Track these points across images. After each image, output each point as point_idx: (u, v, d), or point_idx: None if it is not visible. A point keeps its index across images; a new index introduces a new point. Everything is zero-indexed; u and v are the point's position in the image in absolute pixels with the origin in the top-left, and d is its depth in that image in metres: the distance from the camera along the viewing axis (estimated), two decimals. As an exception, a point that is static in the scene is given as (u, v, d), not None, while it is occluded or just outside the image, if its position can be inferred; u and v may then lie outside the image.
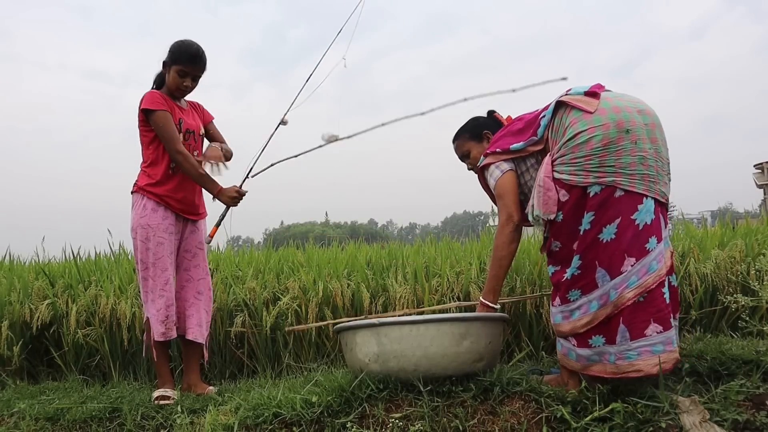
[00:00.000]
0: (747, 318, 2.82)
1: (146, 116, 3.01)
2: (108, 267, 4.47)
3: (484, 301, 2.71)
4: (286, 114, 3.07)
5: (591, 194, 2.35)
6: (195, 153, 3.14)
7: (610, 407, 2.20)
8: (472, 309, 3.22)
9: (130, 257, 4.56)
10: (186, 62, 3.02)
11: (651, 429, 2.11)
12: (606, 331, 2.33)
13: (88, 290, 4.01)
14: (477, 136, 2.90)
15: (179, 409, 2.74)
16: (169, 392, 2.98)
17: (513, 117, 2.85)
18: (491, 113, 2.96)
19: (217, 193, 3.00)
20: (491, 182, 2.70)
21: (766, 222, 4.82)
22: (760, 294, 2.73)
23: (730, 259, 3.78)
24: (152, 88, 3.16)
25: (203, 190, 3.19)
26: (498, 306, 2.73)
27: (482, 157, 2.76)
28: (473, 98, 2.42)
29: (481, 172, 2.78)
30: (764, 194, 24.36)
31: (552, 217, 2.44)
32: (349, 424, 2.31)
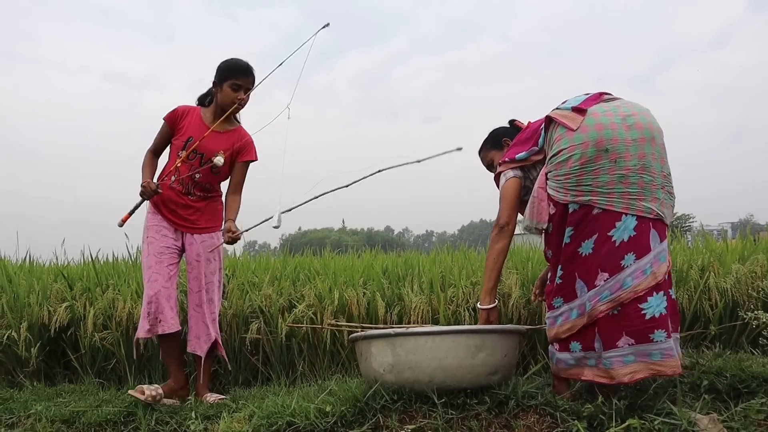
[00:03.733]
0: (768, 335, 2.77)
1: None
2: (126, 271, 4.51)
3: (480, 306, 2.73)
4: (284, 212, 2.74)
5: (571, 210, 2.41)
6: (197, 176, 3.14)
7: (626, 423, 2.16)
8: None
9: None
10: (239, 75, 3.10)
11: (668, 447, 2.08)
12: (583, 339, 2.40)
13: (105, 294, 4.04)
14: (497, 145, 2.95)
15: (193, 414, 2.75)
16: (146, 388, 2.90)
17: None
18: (512, 122, 2.99)
19: (141, 184, 3.05)
20: (499, 188, 2.76)
21: (788, 236, 4.75)
22: (782, 311, 2.69)
23: (751, 274, 3.73)
24: (196, 104, 3.30)
25: (212, 207, 3.27)
26: (495, 304, 2.72)
27: (497, 165, 2.81)
28: (385, 169, 2.48)
29: (497, 181, 2.82)
30: (786, 207, 23.91)
31: (544, 226, 2.52)
32: (362, 435, 2.30)
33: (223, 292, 3.70)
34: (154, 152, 3.24)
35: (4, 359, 3.96)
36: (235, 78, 3.09)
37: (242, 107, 3.16)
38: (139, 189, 3.03)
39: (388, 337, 2.44)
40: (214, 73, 3.15)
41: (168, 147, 3.25)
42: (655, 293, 2.30)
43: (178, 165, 3.11)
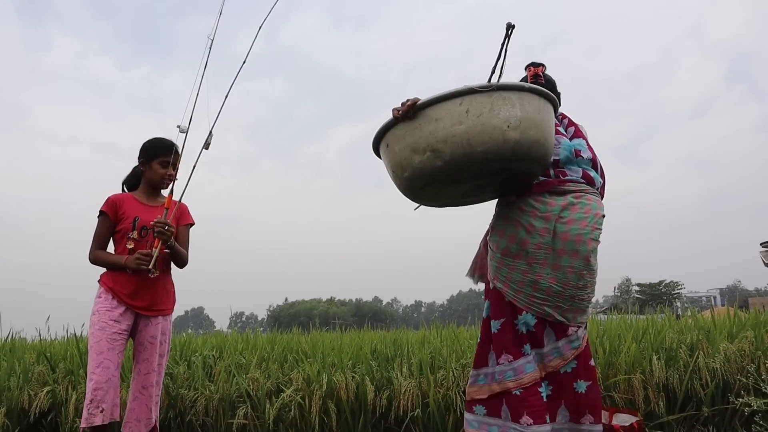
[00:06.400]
0: (761, 422, 2.75)
1: None
2: (110, 352, 4.42)
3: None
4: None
5: (491, 287, 2.59)
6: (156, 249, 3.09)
7: None
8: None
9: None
10: (166, 152, 3.18)
11: None
12: (489, 405, 2.49)
13: (89, 377, 3.95)
14: None
15: None
16: None
17: None
18: None
19: (125, 262, 3.00)
20: None
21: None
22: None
23: (740, 352, 3.72)
24: (122, 191, 3.28)
25: (166, 287, 3.21)
26: None
27: None
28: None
29: None
30: (772, 271, 24.10)
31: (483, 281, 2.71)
32: None
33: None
34: (100, 249, 3.16)
35: (-20, 447, 3.84)
36: (163, 156, 3.18)
37: (171, 181, 3.21)
38: (134, 262, 2.95)
39: (522, 90, 2.26)
40: (139, 153, 3.21)
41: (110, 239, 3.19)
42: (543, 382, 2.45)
43: (155, 247, 3.06)
